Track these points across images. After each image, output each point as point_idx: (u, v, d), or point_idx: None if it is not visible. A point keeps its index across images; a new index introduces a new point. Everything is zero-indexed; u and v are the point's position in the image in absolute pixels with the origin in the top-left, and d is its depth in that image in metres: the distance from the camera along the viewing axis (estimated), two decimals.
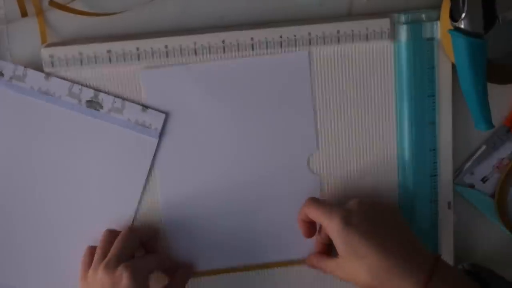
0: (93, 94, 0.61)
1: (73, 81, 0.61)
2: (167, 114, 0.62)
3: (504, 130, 0.65)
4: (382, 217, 0.58)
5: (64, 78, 0.61)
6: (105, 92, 0.61)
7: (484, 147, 0.65)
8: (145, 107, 0.62)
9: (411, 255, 0.55)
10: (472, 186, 0.66)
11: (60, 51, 0.60)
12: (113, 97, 0.61)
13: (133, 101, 0.62)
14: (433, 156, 0.64)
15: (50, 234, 0.64)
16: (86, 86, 0.61)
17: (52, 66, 0.60)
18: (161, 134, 0.62)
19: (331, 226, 0.57)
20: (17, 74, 0.61)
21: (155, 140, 0.62)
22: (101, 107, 0.61)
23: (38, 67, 0.61)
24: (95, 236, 0.63)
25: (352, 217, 0.57)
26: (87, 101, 0.61)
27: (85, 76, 0.61)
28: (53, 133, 0.62)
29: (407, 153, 0.64)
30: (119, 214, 0.64)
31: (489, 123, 0.58)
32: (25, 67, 0.61)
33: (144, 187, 0.63)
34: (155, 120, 0.62)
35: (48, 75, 0.61)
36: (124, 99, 0.62)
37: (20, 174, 0.63)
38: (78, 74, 0.61)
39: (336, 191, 0.64)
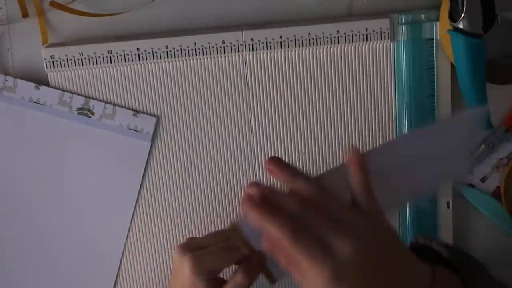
0: (84, 101, 0.61)
1: (74, 82, 0.61)
2: (158, 118, 0.62)
3: (503, 130, 0.65)
4: (376, 254, 0.45)
5: (64, 79, 0.61)
6: (95, 99, 0.62)
7: (483, 147, 0.65)
8: (136, 111, 0.62)
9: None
10: (471, 186, 0.66)
11: (61, 52, 0.60)
12: (104, 103, 0.62)
13: (123, 107, 0.62)
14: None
15: (46, 241, 0.64)
16: (87, 86, 0.62)
17: (53, 66, 0.61)
18: (153, 138, 0.62)
19: (315, 278, 0.43)
20: (7, 85, 0.61)
21: (147, 144, 0.62)
22: (93, 113, 0.61)
23: (39, 68, 0.61)
24: (92, 243, 0.63)
25: (344, 271, 0.43)
26: (78, 109, 0.61)
27: (86, 76, 0.61)
28: (46, 142, 0.62)
29: None
30: (115, 219, 0.64)
31: (488, 123, 0.59)
32: (14, 77, 0.61)
33: (139, 191, 0.64)
34: (147, 124, 0.62)
35: (39, 84, 0.61)
36: (115, 105, 0.62)
37: (14, 184, 0.63)
38: (79, 74, 0.61)
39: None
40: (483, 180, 0.66)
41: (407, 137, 0.56)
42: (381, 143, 0.64)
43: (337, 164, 0.64)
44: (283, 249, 0.44)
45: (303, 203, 0.45)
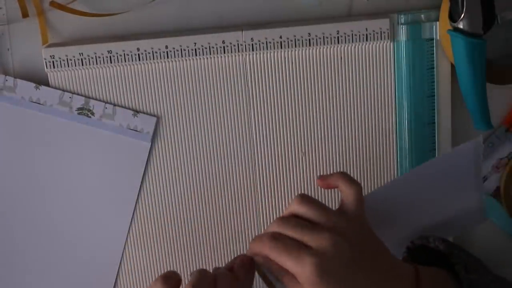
0: (84, 101, 0.61)
1: (74, 82, 0.61)
2: (158, 118, 0.62)
3: (503, 130, 0.65)
4: (358, 250, 0.48)
5: (64, 79, 0.61)
6: (95, 99, 0.62)
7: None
8: (136, 111, 0.62)
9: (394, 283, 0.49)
10: None
11: (61, 52, 0.60)
12: (104, 103, 0.62)
13: (123, 107, 0.62)
14: (433, 156, 0.64)
15: (46, 241, 0.64)
16: (87, 86, 0.62)
17: (53, 66, 0.61)
18: (153, 138, 0.62)
19: (302, 276, 0.46)
20: (7, 85, 0.61)
21: (147, 144, 0.62)
22: (93, 113, 0.61)
23: (39, 68, 0.61)
24: (92, 243, 0.63)
25: (327, 263, 0.46)
26: (78, 109, 0.61)
27: (86, 76, 0.61)
28: (46, 142, 0.62)
29: (407, 153, 0.64)
30: (115, 219, 0.64)
31: (488, 123, 0.59)
32: (14, 77, 0.61)
33: (139, 191, 0.64)
34: (147, 124, 0.62)
35: (39, 84, 0.61)
36: (115, 105, 0.62)
37: (14, 184, 0.63)
38: (79, 74, 0.61)
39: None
40: (483, 180, 0.66)
41: (409, 175, 0.56)
42: (380, 142, 0.64)
43: (337, 164, 0.64)
44: (273, 262, 0.47)
45: (282, 220, 0.49)
